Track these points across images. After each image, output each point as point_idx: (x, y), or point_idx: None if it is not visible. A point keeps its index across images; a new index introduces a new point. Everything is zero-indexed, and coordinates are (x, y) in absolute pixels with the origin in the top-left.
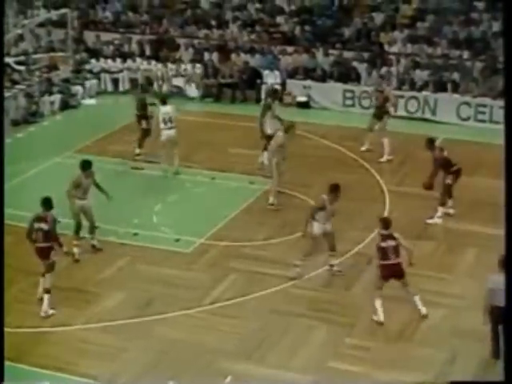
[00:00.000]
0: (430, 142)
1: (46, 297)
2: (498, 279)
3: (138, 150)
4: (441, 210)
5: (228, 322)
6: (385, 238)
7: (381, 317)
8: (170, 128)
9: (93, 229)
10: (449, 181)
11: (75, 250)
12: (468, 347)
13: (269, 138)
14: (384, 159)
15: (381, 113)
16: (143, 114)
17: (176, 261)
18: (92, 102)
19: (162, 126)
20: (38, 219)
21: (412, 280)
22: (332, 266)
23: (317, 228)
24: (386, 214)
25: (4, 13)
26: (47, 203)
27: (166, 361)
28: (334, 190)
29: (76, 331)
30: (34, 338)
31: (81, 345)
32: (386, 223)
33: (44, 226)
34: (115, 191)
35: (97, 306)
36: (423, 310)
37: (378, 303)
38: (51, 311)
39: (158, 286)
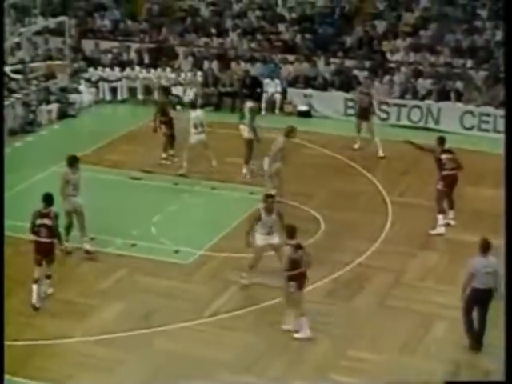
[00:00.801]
0: (440, 140)
1: (46, 281)
2: (480, 262)
3: (164, 155)
4: (441, 219)
5: (228, 334)
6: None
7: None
8: (200, 132)
9: (83, 228)
10: (439, 186)
11: (66, 244)
12: (472, 360)
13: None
14: (381, 154)
15: (366, 114)
16: (165, 119)
17: (175, 272)
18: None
19: (192, 130)
20: (41, 215)
21: (416, 291)
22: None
23: (259, 240)
24: (388, 224)
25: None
26: (49, 199)
27: (165, 374)
28: (267, 198)
29: (73, 344)
30: (31, 350)
31: (78, 358)
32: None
33: (47, 221)
34: (113, 201)
35: (94, 318)
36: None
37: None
38: (50, 290)
39: (157, 297)
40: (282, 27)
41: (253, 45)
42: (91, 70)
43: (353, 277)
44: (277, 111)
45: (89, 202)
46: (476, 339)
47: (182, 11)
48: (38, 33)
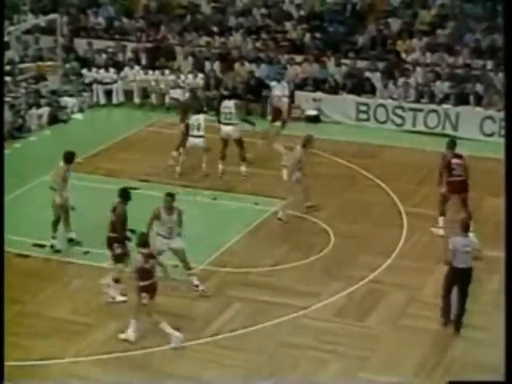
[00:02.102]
0: (451, 143)
1: (113, 284)
2: (460, 242)
3: (174, 153)
4: (441, 221)
5: (231, 355)
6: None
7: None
8: (198, 136)
9: (69, 223)
10: (443, 190)
11: (54, 241)
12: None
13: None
14: None
15: None
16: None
17: (174, 289)
18: (79, 116)
19: (190, 133)
20: (113, 209)
21: (432, 309)
22: (197, 286)
23: (159, 243)
24: (403, 237)
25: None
26: (124, 194)
27: None
28: (167, 197)
29: (65, 364)
30: (21, 371)
31: (71, 380)
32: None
33: (113, 216)
34: (108, 212)
35: (88, 337)
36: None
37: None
38: (121, 298)
39: (155, 315)
40: (289, 25)
41: (258, 44)
42: (84, 71)
43: (365, 294)
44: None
45: (82, 214)
46: (454, 320)
47: (182, 8)
48: (27, 31)
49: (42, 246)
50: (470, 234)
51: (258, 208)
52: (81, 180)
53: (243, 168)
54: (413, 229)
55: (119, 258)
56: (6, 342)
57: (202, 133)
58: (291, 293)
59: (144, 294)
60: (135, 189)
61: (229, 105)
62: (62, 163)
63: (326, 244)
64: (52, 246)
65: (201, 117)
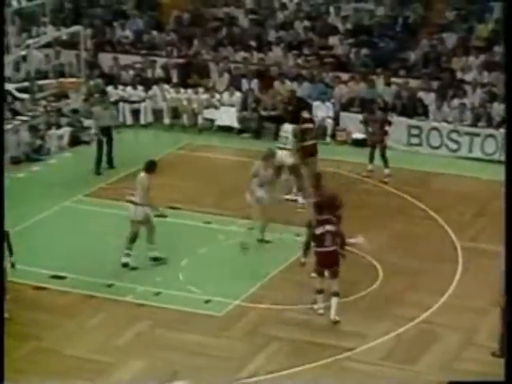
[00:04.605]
0: None
1: (334, 300)
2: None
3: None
4: None
5: None
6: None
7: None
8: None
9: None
10: None
11: (127, 259)
12: None
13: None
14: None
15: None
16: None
17: (206, 326)
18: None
19: None
20: (322, 222)
21: (490, 354)
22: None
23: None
24: (458, 274)
25: (4, 29)
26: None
27: None
28: None
29: None
30: None
31: None
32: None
33: (330, 227)
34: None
35: (110, 378)
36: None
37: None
38: (337, 318)
39: (184, 355)
40: (334, 40)
41: (299, 61)
42: (110, 88)
43: (415, 335)
44: (328, 139)
45: (107, 242)
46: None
47: (217, 20)
48: (47, 45)
49: (60, 278)
50: None
51: (299, 239)
52: (105, 207)
53: (300, 199)
54: (468, 264)
55: None
56: (20, 380)
57: (289, 146)
58: (334, 333)
59: None
60: (164, 216)
61: (287, 129)
62: (143, 173)
63: (374, 280)
64: (125, 265)
65: (290, 128)
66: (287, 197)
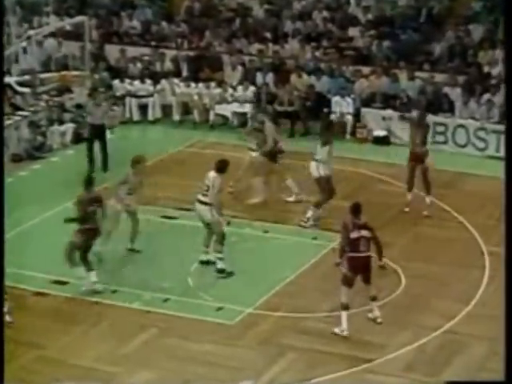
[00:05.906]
0: None
1: (374, 304)
2: None
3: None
4: None
5: None
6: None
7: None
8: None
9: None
10: None
11: (221, 264)
12: None
13: None
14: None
15: None
16: None
17: (217, 334)
18: (108, 134)
19: None
20: (358, 226)
21: None
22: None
23: None
24: (484, 281)
25: (4, 20)
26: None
27: None
28: None
29: None
30: None
31: None
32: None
33: (366, 233)
34: (141, 246)
35: None
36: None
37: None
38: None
39: (194, 365)
40: (354, 31)
41: (318, 53)
42: (116, 82)
43: (439, 346)
44: (348, 136)
45: (112, 247)
46: None
47: (230, 11)
48: (50, 36)
49: (63, 283)
50: None
51: (315, 243)
52: (110, 208)
53: (309, 212)
54: (496, 271)
55: None
56: None
57: (318, 157)
58: (353, 343)
59: None
60: (174, 218)
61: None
62: (212, 173)
63: (395, 287)
64: (221, 271)
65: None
66: (289, 199)
